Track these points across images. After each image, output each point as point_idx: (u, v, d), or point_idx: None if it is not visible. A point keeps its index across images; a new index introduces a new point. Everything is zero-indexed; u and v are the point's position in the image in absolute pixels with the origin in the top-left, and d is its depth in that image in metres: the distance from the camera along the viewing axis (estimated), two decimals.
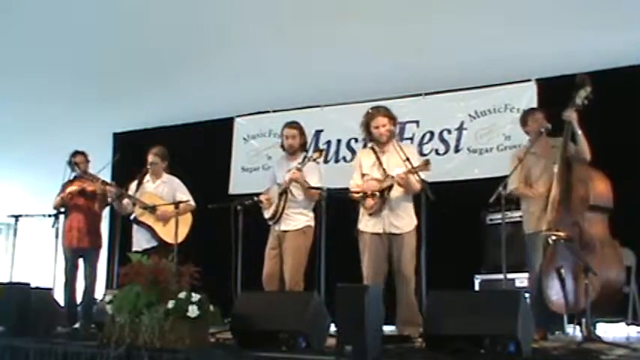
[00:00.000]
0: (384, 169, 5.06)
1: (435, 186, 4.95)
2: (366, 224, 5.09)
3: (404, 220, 5.02)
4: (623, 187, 4.75)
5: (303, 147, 5.62)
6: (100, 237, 6.53)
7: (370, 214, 5.04)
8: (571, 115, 4.75)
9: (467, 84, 6.99)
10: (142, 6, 5.82)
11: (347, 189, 5.23)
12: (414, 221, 5.05)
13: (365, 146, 5.78)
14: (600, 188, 4.63)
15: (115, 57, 6.80)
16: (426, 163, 4.92)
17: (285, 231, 5.40)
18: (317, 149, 5.82)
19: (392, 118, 5.15)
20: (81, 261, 6.34)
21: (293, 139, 5.56)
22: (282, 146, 5.69)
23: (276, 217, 5.40)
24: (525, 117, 5.18)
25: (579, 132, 4.76)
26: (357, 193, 5.10)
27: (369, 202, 5.05)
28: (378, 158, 5.13)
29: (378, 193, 5.00)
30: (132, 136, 8.71)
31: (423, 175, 4.89)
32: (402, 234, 4.99)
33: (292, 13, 5.90)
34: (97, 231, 6.44)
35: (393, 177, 4.95)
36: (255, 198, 5.57)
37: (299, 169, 5.29)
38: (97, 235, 6.44)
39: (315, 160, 5.37)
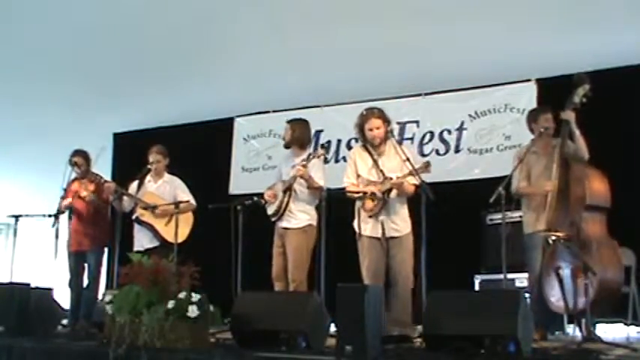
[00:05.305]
0: (381, 171, 5.03)
1: (435, 186, 4.95)
2: (365, 228, 5.06)
3: (402, 222, 5.03)
4: (623, 186, 4.75)
5: (298, 142, 5.56)
6: (103, 237, 6.39)
7: (370, 217, 5.03)
8: (569, 115, 4.75)
9: (467, 84, 6.99)
10: (142, 7, 5.82)
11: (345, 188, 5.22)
12: (409, 223, 5.06)
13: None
14: (597, 187, 4.61)
15: (115, 57, 6.80)
16: (427, 165, 4.93)
17: (286, 228, 5.38)
18: (321, 145, 5.84)
19: (386, 121, 5.10)
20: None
21: (285, 133, 5.67)
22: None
23: (279, 213, 5.39)
24: (537, 115, 5.07)
25: (577, 131, 4.77)
26: (357, 193, 5.08)
27: (369, 204, 5.02)
28: (374, 160, 5.11)
29: (379, 194, 4.99)
30: (132, 136, 8.72)
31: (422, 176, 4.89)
32: (400, 237, 4.99)
33: (292, 13, 5.90)
34: (98, 232, 6.35)
35: (391, 179, 4.94)
36: (255, 198, 5.55)
37: (304, 166, 5.28)
38: (98, 236, 6.35)
39: (319, 157, 5.37)
